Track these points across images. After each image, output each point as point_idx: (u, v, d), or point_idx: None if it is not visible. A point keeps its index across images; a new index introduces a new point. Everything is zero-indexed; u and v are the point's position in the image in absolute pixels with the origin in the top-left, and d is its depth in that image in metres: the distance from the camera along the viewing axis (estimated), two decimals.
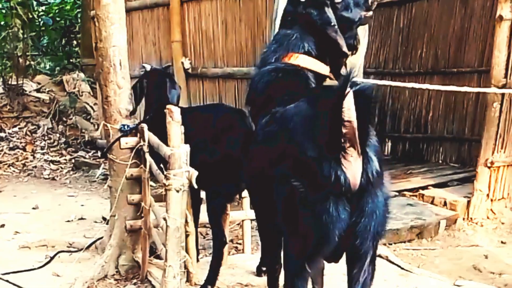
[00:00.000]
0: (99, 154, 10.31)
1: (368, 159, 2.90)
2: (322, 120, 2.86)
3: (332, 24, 3.66)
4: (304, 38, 3.71)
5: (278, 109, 3.31)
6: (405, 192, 7.56)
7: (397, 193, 7.40)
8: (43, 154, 10.80)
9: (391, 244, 6.24)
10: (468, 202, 7.01)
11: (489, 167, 6.87)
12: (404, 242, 6.40)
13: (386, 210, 3.09)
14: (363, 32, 5.61)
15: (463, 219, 6.94)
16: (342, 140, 2.80)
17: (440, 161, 9.20)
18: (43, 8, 15.21)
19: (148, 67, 5.55)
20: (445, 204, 7.12)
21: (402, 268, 5.38)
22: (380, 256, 5.69)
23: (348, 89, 2.72)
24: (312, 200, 2.92)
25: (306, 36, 3.71)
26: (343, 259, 3.24)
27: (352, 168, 2.86)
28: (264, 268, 5.06)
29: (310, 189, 2.93)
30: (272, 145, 3.27)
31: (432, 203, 7.24)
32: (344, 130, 2.76)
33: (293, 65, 3.66)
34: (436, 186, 7.80)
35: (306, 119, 3.02)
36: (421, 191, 7.57)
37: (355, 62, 5.59)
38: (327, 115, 2.81)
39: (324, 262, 3.59)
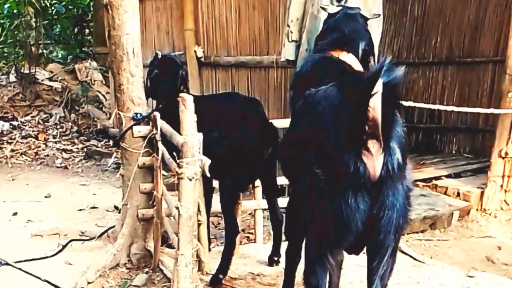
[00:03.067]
0: (111, 143, 10.31)
1: (390, 152, 2.88)
2: (347, 110, 2.82)
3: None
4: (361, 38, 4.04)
5: (310, 91, 3.30)
6: (418, 183, 7.49)
7: None
8: (55, 142, 10.82)
9: (404, 234, 6.20)
10: (482, 193, 6.95)
11: (503, 158, 6.81)
12: (417, 232, 6.36)
13: (408, 203, 3.08)
14: (377, 21, 5.56)
15: (477, 210, 6.89)
16: (365, 132, 2.77)
17: (454, 152, 9.13)
18: None
19: (160, 54, 5.53)
20: (458, 194, 7.07)
21: (415, 259, 5.35)
22: None
23: (379, 82, 2.67)
24: (331, 190, 2.93)
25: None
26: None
27: (373, 160, 2.85)
28: (276, 258, 5.05)
29: (330, 177, 2.94)
30: (302, 129, 3.30)
31: (445, 193, 7.19)
32: (368, 124, 2.74)
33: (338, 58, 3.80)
34: (449, 176, 7.75)
35: (333, 105, 3.02)
36: (434, 182, 7.52)
37: None
38: (352, 105, 2.78)
39: (344, 254, 3.61)
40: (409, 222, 3.18)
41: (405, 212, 3.05)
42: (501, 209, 6.91)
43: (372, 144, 2.81)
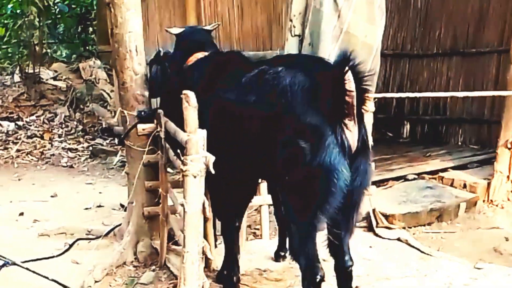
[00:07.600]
0: (116, 141, 10.30)
1: (362, 128, 3.54)
2: (325, 91, 3.41)
3: None
4: None
5: (266, 67, 3.82)
6: (424, 175, 7.49)
7: (416, 176, 7.34)
8: (60, 142, 10.81)
9: (410, 227, 6.20)
10: (488, 184, 6.94)
11: (509, 149, 6.80)
12: (424, 225, 6.35)
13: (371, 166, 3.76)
14: (380, 13, 5.53)
15: (483, 201, 6.88)
16: (344, 112, 3.38)
17: (460, 143, 9.12)
18: None
19: (162, 51, 5.51)
20: (464, 186, 7.06)
21: (422, 252, 5.36)
22: (399, 239, 5.68)
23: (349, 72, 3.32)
24: (319, 159, 3.39)
25: None
26: None
27: (351, 134, 3.45)
28: (282, 253, 5.04)
29: (318, 151, 3.39)
30: (266, 109, 3.71)
31: (451, 185, 7.17)
32: (347, 100, 3.34)
33: None
34: (455, 168, 7.73)
35: (305, 90, 3.51)
36: (440, 174, 7.50)
37: (373, 44, 5.52)
38: (329, 86, 3.38)
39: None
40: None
41: (370, 176, 3.70)
42: (508, 200, 6.90)
43: (348, 122, 3.41)
